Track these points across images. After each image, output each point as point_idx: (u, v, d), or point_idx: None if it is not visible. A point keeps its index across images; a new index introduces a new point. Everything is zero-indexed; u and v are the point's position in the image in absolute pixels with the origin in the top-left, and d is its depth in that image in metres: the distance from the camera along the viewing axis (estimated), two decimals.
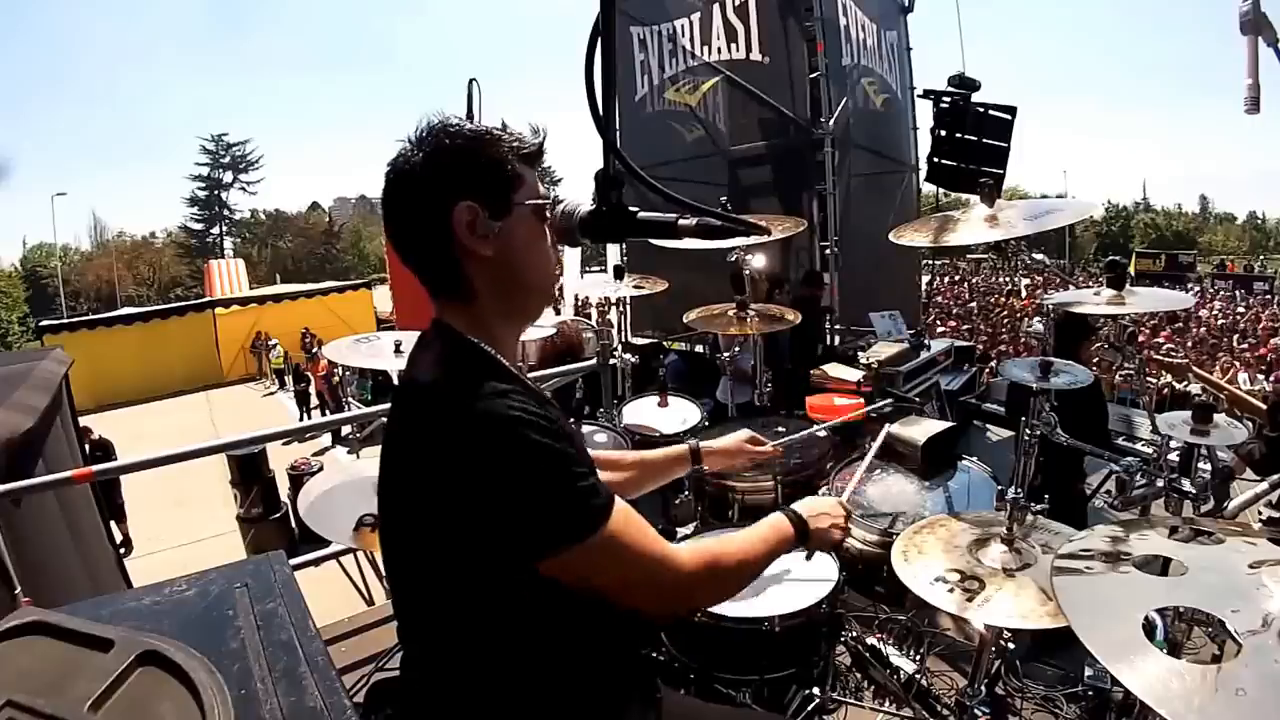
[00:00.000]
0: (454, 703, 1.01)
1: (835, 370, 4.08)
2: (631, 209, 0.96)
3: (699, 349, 6.56)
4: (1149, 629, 0.96)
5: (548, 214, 1.01)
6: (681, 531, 2.26)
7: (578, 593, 0.94)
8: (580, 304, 17.93)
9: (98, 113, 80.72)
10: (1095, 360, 3.08)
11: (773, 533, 1.21)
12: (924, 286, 12.56)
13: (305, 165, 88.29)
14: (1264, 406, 2.83)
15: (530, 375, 1.12)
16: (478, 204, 0.95)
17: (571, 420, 2.67)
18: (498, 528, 0.89)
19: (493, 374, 0.95)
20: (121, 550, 6.16)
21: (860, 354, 4.64)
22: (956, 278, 30.31)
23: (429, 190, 0.96)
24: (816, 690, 1.68)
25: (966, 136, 5.94)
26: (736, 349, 3.38)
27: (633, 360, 3.43)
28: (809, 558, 1.47)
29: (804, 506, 1.31)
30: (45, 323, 19.16)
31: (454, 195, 0.94)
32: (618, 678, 1.09)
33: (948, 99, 5.97)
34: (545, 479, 0.89)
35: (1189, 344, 13.92)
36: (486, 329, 1.01)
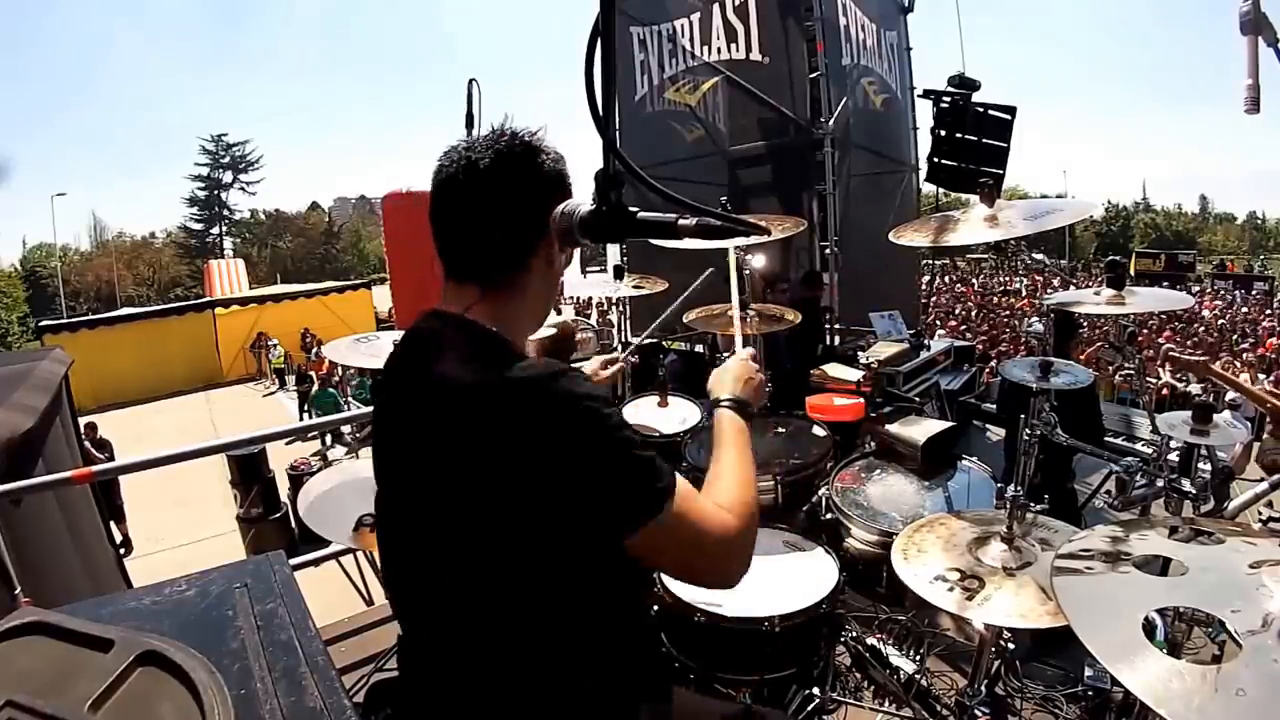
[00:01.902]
0: (475, 696, 0.99)
1: (835, 370, 4.08)
2: (631, 209, 0.96)
3: (698, 349, 6.56)
4: (1149, 629, 0.97)
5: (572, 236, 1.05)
6: None
7: (648, 566, 0.99)
8: (581, 304, 17.94)
9: (98, 113, 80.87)
10: (1084, 358, 3.08)
11: (739, 434, 1.19)
12: (924, 286, 12.55)
13: (305, 165, 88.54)
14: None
15: None
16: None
17: None
18: (584, 509, 0.91)
19: (566, 373, 0.97)
20: (121, 550, 6.16)
21: (860, 354, 4.65)
22: (956, 277, 30.30)
23: (543, 187, 1.02)
24: (816, 690, 1.68)
25: (966, 136, 5.95)
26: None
27: (633, 360, 3.43)
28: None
29: (726, 385, 1.29)
30: (45, 323, 19.15)
31: (559, 201, 1.02)
32: (637, 672, 1.09)
33: (948, 99, 5.97)
34: (629, 459, 0.92)
35: (1189, 344, 13.92)
36: (511, 323, 1.05)
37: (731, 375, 1.30)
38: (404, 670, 1.14)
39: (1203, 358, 4.28)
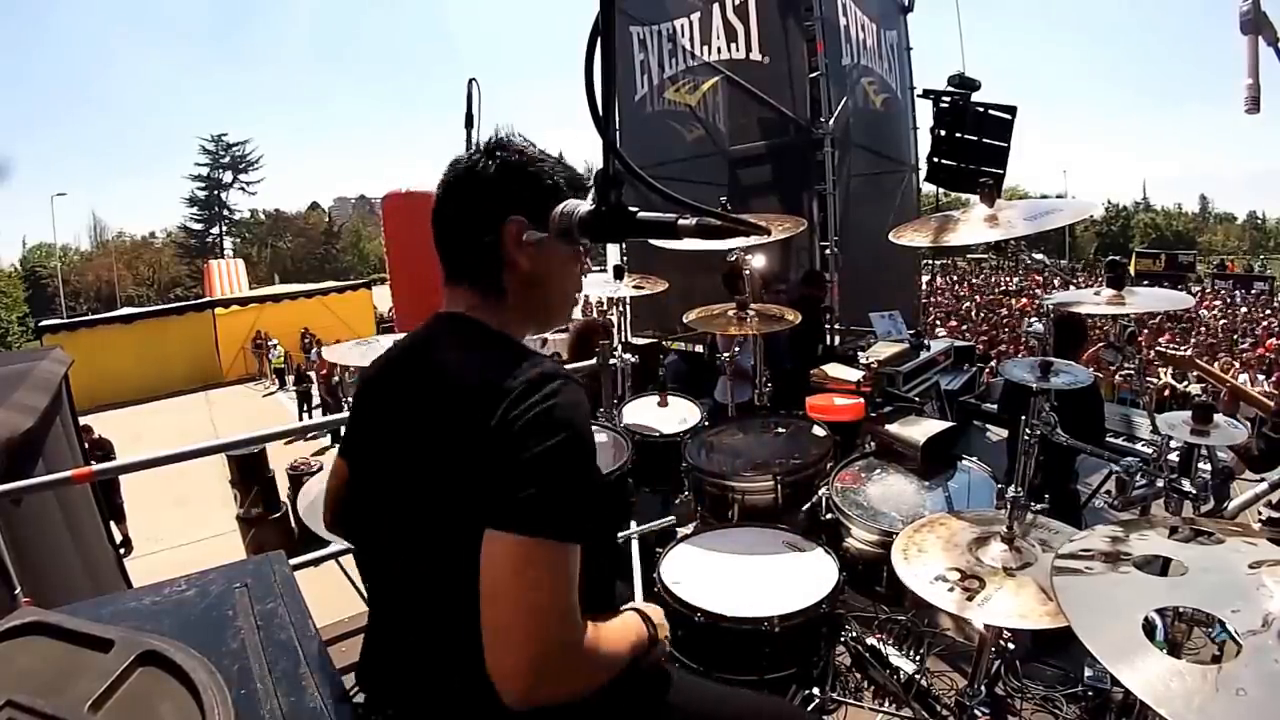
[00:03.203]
0: (434, 680, 1.02)
1: (835, 370, 4.08)
2: (631, 209, 0.96)
3: (698, 349, 6.56)
4: (1149, 629, 0.96)
5: (580, 239, 1.05)
6: (681, 531, 2.26)
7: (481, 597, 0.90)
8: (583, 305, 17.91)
9: (98, 113, 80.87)
10: (1085, 358, 3.08)
11: (634, 628, 1.13)
12: (924, 286, 12.55)
13: (305, 165, 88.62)
14: (1271, 404, 2.81)
15: None
16: (527, 220, 1.05)
17: None
18: (491, 489, 0.91)
19: (568, 376, 1.00)
20: (121, 550, 6.16)
21: (860, 354, 4.64)
22: (956, 277, 30.32)
23: (491, 196, 1.06)
24: (816, 690, 1.68)
25: (966, 136, 5.94)
26: (737, 349, 3.38)
27: (633, 360, 3.43)
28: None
29: (642, 611, 1.20)
30: (45, 323, 19.15)
31: (511, 207, 1.05)
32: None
33: (948, 99, 5.97)
34: (571, 479, 0.93)
35: (1190, 344, 13.93)
36: (509, 327, 1.10)
37: (656, 618, 1.21)
38: (367, 650, 1.15)
39: (1186, 354, 4.30)
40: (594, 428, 2.84)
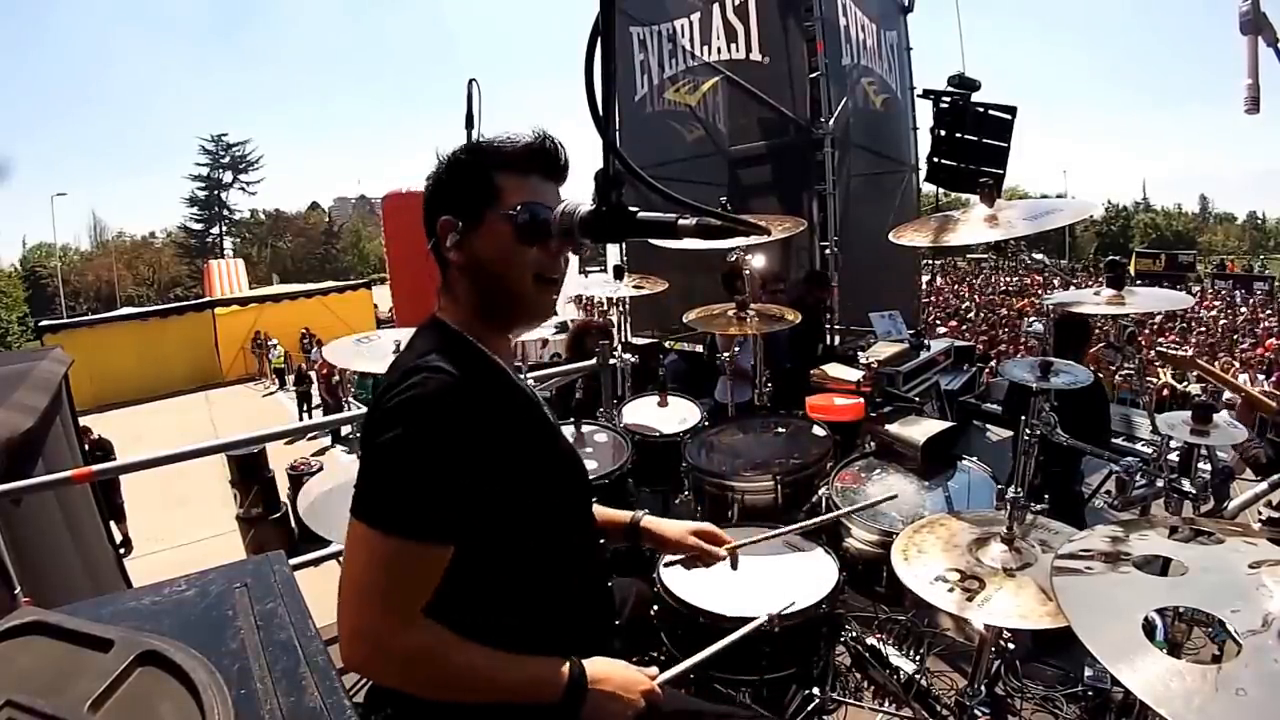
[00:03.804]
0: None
1: (835, 370, 4.07)
2: (631, 209, 0.96)
3: (698, 349, 6.56)
4: (1149, 629, 0.96)
5: (522, 222, 1.05)
6: None
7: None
8: (581, 304, 17.90)
9: (98, 113, 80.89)
10: (1094, 362, 3.08)
11: (544, 674, 1.04)
12: (924, 286, 12.55)
13: (305, 165, 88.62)
14: (1275, 406, 2.80)
15: (531, 375, 1.15)
16: (454, 216, 1.08)
17: (571, 420, 2.67)
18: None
19: (462, 361, 1.03)
20: (121, 550, 6.16)
21: (860, 354, 4.64)
22: (956, 278, 30.32)
23: (429, 201, 1.13)
24: (816, 690, 1.68)
25: (966, 136, 5.94)
26: (737, 349, 3.38)
27: (633, 360, 3.43)
28: None
29: (599, 668, 1.08)
30: (45, 323, 19.12)
31: (440, 208, 1.10)
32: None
33: (948, 99, 5.97)
34: (400, 464, 0.96)
35: (1191, 344, 13.93)
36: (470, 325, 1.12)
37: (620, 679, 1.09)
38: None
39: (1188, 353, 4.30)
40: (594, 428, 2.85)
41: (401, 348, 1.19)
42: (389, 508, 0.96)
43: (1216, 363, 11.52)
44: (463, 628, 1.01)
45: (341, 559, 1.04)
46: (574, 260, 1.28)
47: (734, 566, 1.52)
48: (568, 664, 1.06)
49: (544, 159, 1.09)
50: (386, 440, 0.96)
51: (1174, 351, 4.46)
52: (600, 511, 1.44)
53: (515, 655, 1.03)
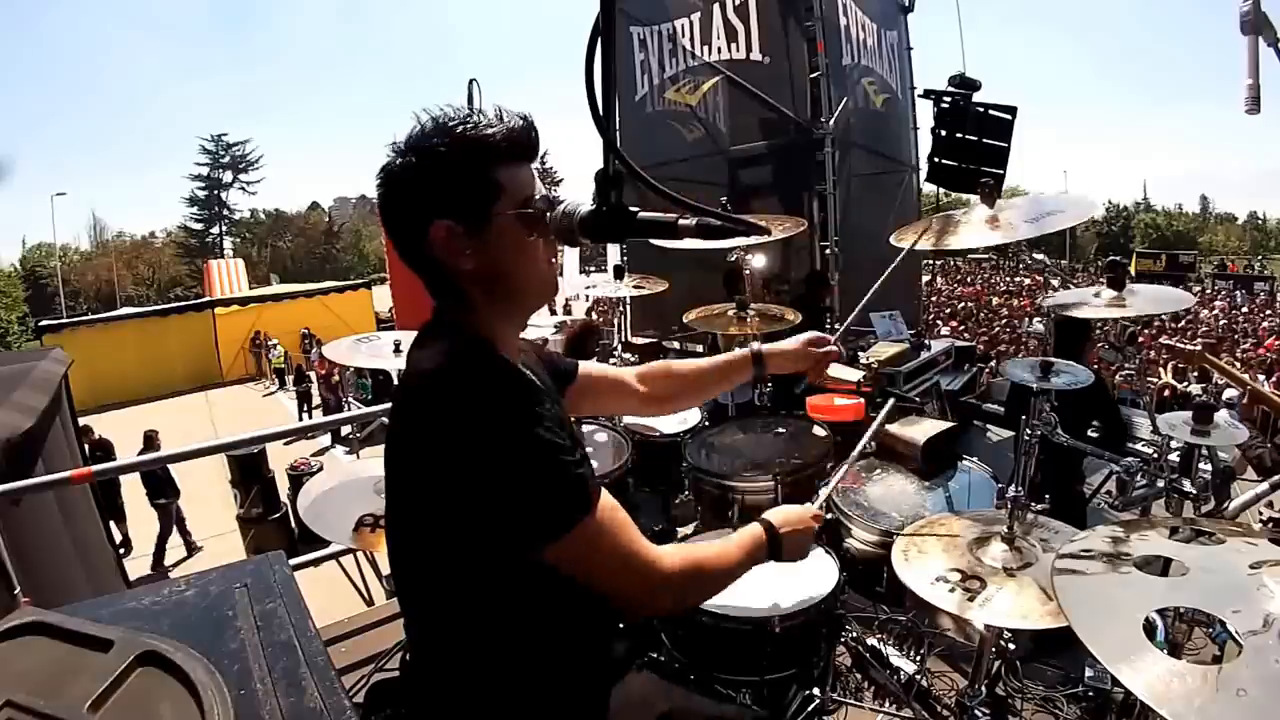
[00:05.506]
0: (453, 693, 1.03)
1: (835, 370, 4.06)
2: (631, 209, 0.96)
3: (698, 349, 6.55)
4: (1149, 629, 0.96)
5: (534, 214, 0.99)
6: (682, 531, 2.26)
7: (574, 582, 0.96)
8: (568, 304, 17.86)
9: (98, 113, 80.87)
10: (1094, 362, 3.08)
11: (750, 540, 1.21)
12: (924, 286, 12.53)
13: (305, 165, 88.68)
14: None
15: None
16: (453, 220, 0.96)
17: (571, 420, 2.67)
18: (498, 518, 0.91)
19: (493, 367, 0.97)
20: (121, 550, 6.16)
21: (860, 354, 4.63)
22: (956, 278, 30.33)
23: (409, 205, 0.98)
24: (816, 691, 1.68)
25: (967, 136, 5.94)
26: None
27: (633, 360, 3.43)
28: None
29: (777, 516, 1.28)
30: (45, 323, 19.11)
31: (431, 213, 0.96)
32: (596, 670, 1.12)
33: (948, 99, 5.97)
34: (539, 470, 0.90)
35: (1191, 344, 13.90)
36: (486, 326, 1.04)
37: (793, 516, 1.29)
38: (403, 668, 1.17)
39: (1197, 348, 4.28)
40: (594, 427, 2.86)
41: (405, 350, 1.13)
42: (557, 510, 0.92)
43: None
44: (495, 628, 0.99)
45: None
46: (574, 260, 1.27)
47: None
48: (759, 525, 1.24)
49: (529, 142, 1.02)
50: (490, 450, 0.89)
51: (1183, 347, 4.43)
52: (712, 363, 1.61)
53: (720, 540, 1.19)
